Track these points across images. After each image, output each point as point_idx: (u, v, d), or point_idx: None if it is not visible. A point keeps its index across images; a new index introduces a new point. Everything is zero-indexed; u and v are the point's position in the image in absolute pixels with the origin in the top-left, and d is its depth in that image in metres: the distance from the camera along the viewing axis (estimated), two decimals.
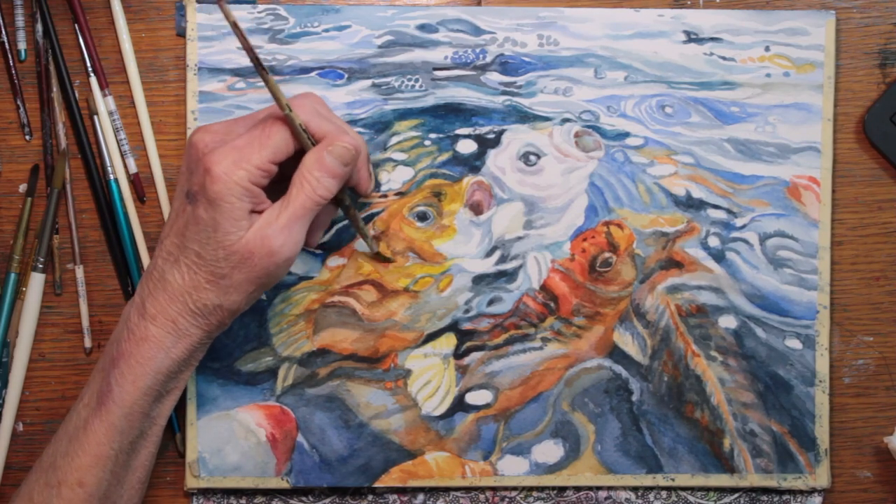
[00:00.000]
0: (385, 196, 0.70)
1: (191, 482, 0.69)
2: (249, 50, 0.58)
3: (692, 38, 0.70)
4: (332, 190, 0.61)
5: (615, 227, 0.70)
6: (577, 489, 0.70)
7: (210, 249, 0.59)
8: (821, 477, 0.70)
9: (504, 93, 0.70)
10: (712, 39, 0.70)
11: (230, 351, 0.69)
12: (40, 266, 0.69)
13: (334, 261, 0.70)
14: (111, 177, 0.70)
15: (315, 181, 0.60)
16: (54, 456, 0.62)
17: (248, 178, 0.59)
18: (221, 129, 0.62)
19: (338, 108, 0.69)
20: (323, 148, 0.61)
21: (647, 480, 0.70)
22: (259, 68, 0.59)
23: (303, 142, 0.61)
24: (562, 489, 0.70)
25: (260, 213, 0.60)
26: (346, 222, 0.70)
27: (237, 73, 0.69)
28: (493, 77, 0.70)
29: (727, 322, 0.70)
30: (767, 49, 0.70)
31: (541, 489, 0.70)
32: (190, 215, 0.60)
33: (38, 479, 0.61)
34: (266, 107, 0.64)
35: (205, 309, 0.61)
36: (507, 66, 0.70)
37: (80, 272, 0.70)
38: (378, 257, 0.69)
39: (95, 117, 0.70)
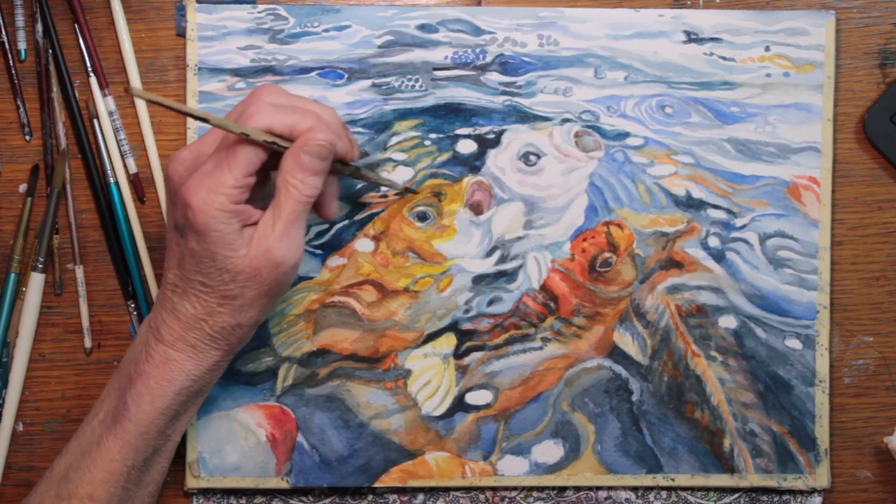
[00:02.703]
0: (385, 196, 0.70)
1: (191, 482, 0.69)
2: (181, 111, 0.57)
3: (692, 38, 0.70)
4: (318, 185, 0.60)
5: (615, 227, 0.70)
6: (577, 489, 0.70)
7: (214, 276, 0.59)
8: (821, 477, 0.70)
9: (504, 93, 0.70)
10: (712, 39, 0.70)
11: None
12: (40, 266, 0.69)
13: (334, 261, 0.70)
14: (111, 178, 0.70)
15: (299, 183, 0.59)
16: (66, 468, 0.61)
17: (227, 201, 0.57)
18: (191, 155, 0.60)
19: (338, 108, 0.69)
20: (299, 148, 0.59)
21: (647, 480, 0.70)
22: (196, 118, 0.57)
23: (273, 149, 0.59)
24: (562, 489, 0.70)
25: (252, 224, 0.59)
26: (345, 222, 0.70)
27: (237, 73, 0.69)
28: (493, 77, 0.70)
29: (727, 322, 0.70)
30: (767, 49, 0.70)
31: (541, 489, 0.70)
32: (184, 248, 0.59)
33: (49, 489, 0.61)
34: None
35: (223, 331, 0.60)
36: (507, 66, 0.70)
37: (80, 272, 0.70)
38: (406, 192, 0.69)
39: (95, 119, 0.70)
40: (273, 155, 0.59)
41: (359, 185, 0.70)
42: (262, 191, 0.63)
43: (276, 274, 0.59)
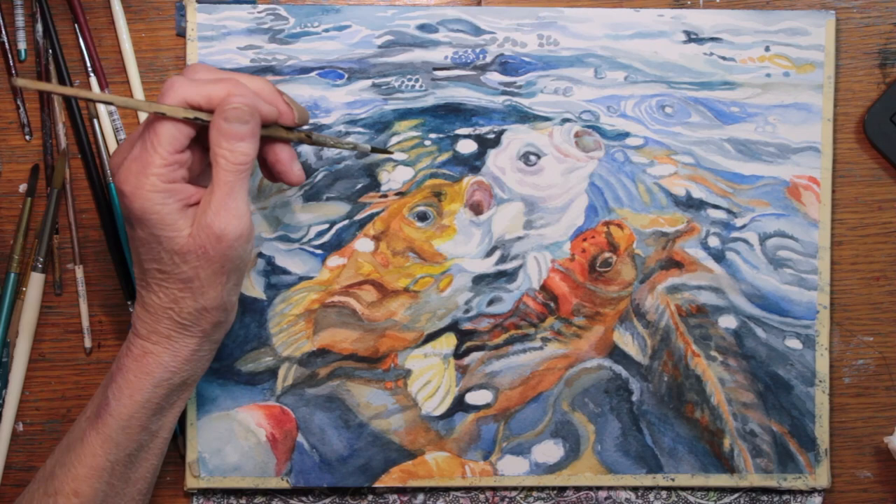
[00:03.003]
0: (385, 196, 0.70)
1: (191, 482, 0.69)
2: (81, 97, 0.56)
3: (692, 38, 0.70)
4: (249, 151, 0.58)
5: (615, 227, 0.70)
6: (577, 489, 0.70)
7: (167, 261, 0.58)
8: (821, 477, 0.70)
9: (504, 93, 0.70)
10: (712, 39, 0.70)
11: (230, 351, 0.69)
12: (40, 266, 0.69)
13: (334, 261, 0.70)
14: (111, 178, 0.70)
15: (227, 152, 0.58)
16: (53, 466, 0.61)
17: (158, 181, 0.57)
18: (125, 146, 0.60)
19: (338, 108, 0.69)
20: (219, 116, 0.58)
21: (647, 480, 0.70)
22: (101, 102, 0.56)
23: (197, 123, 0.58)
24: (562, 489, 0.70)
25: (191, 205, 0.58)
26: (345, 222, 0.70)
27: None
28: (493, 77, 0.70)
29: (727, 322, 0.70)
30: (767, 49, 0.70)
31: (541, 489, 0.70)
32: (135, 239, 0.59)
33: (38, 487, 0.61)
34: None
35: (190, 317, 0.60)
36: (507, 66, 0.70)
37: (80, 272, 0.70)
38: (377, 151, 0.67)
39: (95, 119, 0.70)
40: (204, 130, 0.58)
41: (359, 185, 0.70)
42: (202, 169, 0.61)
43: (223, 248, 0.58)
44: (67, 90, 0.56)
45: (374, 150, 0.67)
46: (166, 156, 0.57)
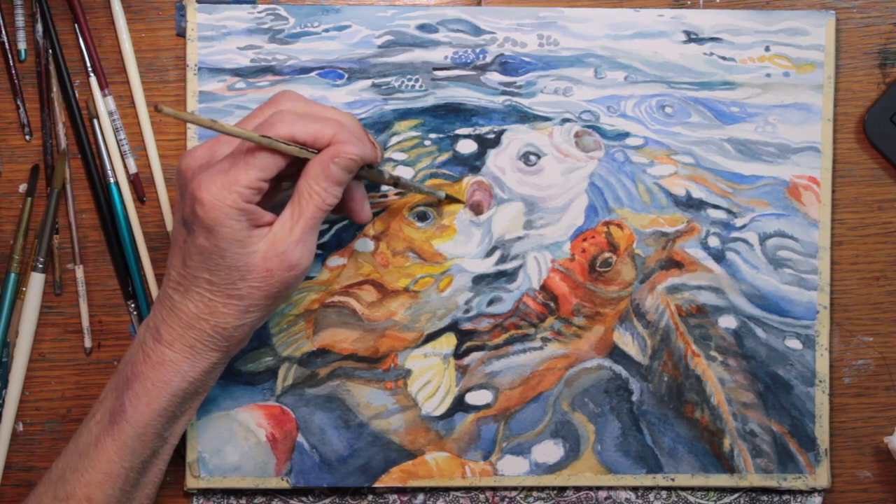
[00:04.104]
0: (385, 196, 0.70)
1: (191, 482, 0.69)
2: (213, 128, 0.57)
3: (692, 38, 0.70)
4: (339, 195, 0.60)
5: (615, 227, 0.70)
6: (577, 489, 0.70)
7: (222, 275, 0.59)
8: (821, 477, 0.70)
9: (504, 93, 0.70)
10: (712, 39, 0.70)
11: None
12: (40, 266, 0.69)
13: (334, 261, 0.70)
14: (111, 178, 0.70)
15: (322, 192, 0.59)
16: (63, 470, 0.61)
17: (240, 199, 0.58)
18: (205, 151, 0.60)
19: (338, 108, 0.69)
20: (328, 158, 0.59)
21: (647, 480, 0.70)
22: (228, 133, 0.57)
23: (295, 156, 0.59)
24: (562, 489, 0.70)
25: (261, 226, 0.59)
26: (345, 222, 0.70)
27: (237, 73, 0.69)
28: (493, 77, 0.70)
29: (727, 322, 0.70)
30: (767, 49, 0.70)
31: (541, 489, 0.70)
32: (192, 245, 0.59)
33: (47, 491, 0.61)
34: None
35: (224, 332, 0.60)
36: (507, 66, 0.70)
37: (80, 272, 0.70)
38: (449, 199, 0.69)
39: (95, 119, 0.70)
40: (291, 162, 0.60)
41: None
42: (272, 199, 0.63)
43: (289, 277, 0.60)
44: (205, 122, 0.57)
45: (449, 198, 0.69)
46: (255, 180, 0.58)
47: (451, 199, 0.69)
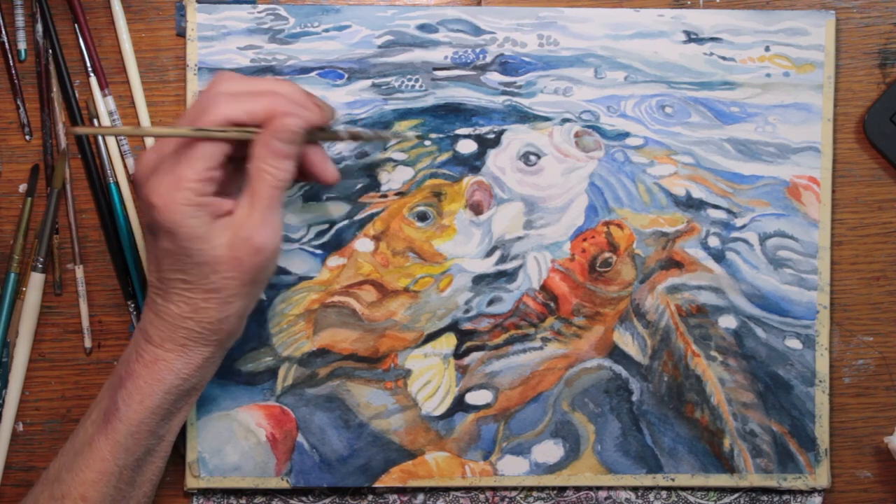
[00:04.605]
0: (385, 196, 0.70)
1: (191, 482, 0.69)
2: (133, 135, 0.56)
3: (692, 38, 0.70)
4: (293, 168, 0.59)
5: (615, 227, 0.70)
6: (577, 489, 0.70)
7: (194, 272, 0.58)
8: (821, 477, 0.70)
9: (504, 93, 0.70)
10: (712, 39, 0.70)
11: (230, 351, 0.69)
12: (40, 266, 0.69)
13: (334, 261, 0.70)
14: (111, 178, 0.70)
15: (273, 169, 0.58)
16: (59, 469, 0.61)
17: (192, 195, 0.57)
18: (154, 154, 0.59)
19: (338, 108, 0.69)
20: (270, 135, 0.58)
21: (647, 480, 0.70)
22: (150, 136, 0.56)
23: (236, 139, 0.58)
24: (562, 489, 0.70)
25: (224, 215, 0.58)
26: (345, 222, 0.70)
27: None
28: (493, 77, 0.70)
29: (727, 322, 0.70)
30: (767, 49, 0.70)
31: (541, 489, 0.70)
32: (159, 249, 0.59)
33: (43, 490, 0.61)
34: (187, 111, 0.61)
35: (210, 327, 0.60)
36: (507, 66, 0.70)
37: (80, 272, 0.70)
38: (399, 135, 0.68)
39: (95, 119, 0.70)
40: (239, 143, 0.59)
41: (359, 185, 0.70)
42: (238, 182, 0.61)
43: (259, 260, 0.59)
44: (118, 130, 0.57)
45: (397, 134, 0.68)
46: (202, 172, 0.57)
47: (409, 136, 0.68)
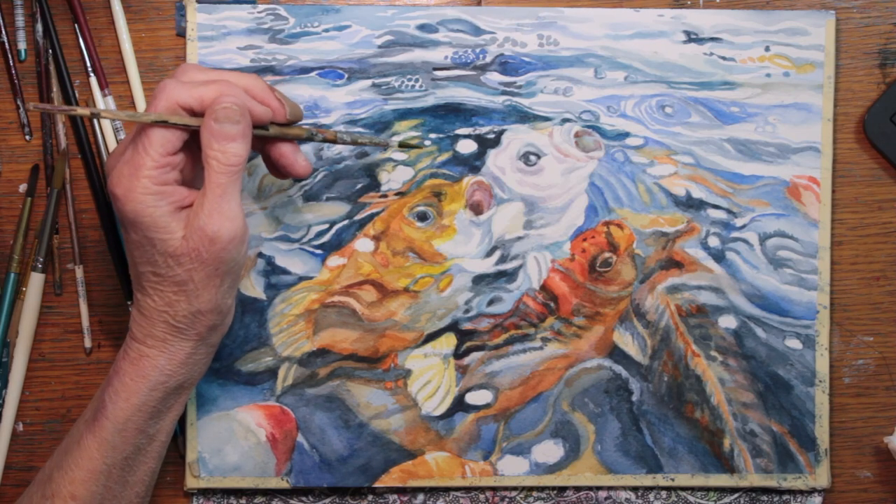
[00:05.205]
0: (385, 196, 0.70)
1: (191, 482, 0.69)
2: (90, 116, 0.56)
3: (692, 38, 0.70)
4: (241, 152, 0.58)
5: (615, 227, 0.70)
6: (577, 489, 0.70)
7: (160, 264, 0.58)
8: (821, 477, 0.70)
9: (504, 93, 0.70)
10: (712, 39, 0.70)
11: (230, 351, 0.69)
12: (40, 266, 0.69)
13: (334, 261, 0.70)
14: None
15: (219, 153, 0.57)
16: (51, 469, 0.61)
17: (150, 183, 0.57)
18: (119, 150, 0.60)
19: (338, 108, 0.69)
20: (207, 116, 0.57)
21: (647, 480, 0.70)
22: (99, 117, 0.56)
23: (188, 126, 0.58)
24: (562, 489, 0.70)
25: (184, 207, 0.58)
26: (345, 222, 0.70)
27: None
28: (493, 77, 0.70)
29: (727, 322, 0.70)
30: (767, 49, 0.70)
31: (541, 489, 0.70)
32: (129, 242, 0.59)
33: (37, 491, 0.61)
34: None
35: (185, 320, 0.60)
36: (507, 66, 0.70)
37: (80, 272, 0.70)
38: (403, 146, 0.68)
39: (95, 119, 0.70)
40: (197, 133, 0.58)
41: (359, 185, 0.70)
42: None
43: (216, 250, 0.58)
44: (85, 111, 0.57)
45: (402, 144, 0.68)
46: (158, 158, 0.57)
47: (406, 146, 0.68)
